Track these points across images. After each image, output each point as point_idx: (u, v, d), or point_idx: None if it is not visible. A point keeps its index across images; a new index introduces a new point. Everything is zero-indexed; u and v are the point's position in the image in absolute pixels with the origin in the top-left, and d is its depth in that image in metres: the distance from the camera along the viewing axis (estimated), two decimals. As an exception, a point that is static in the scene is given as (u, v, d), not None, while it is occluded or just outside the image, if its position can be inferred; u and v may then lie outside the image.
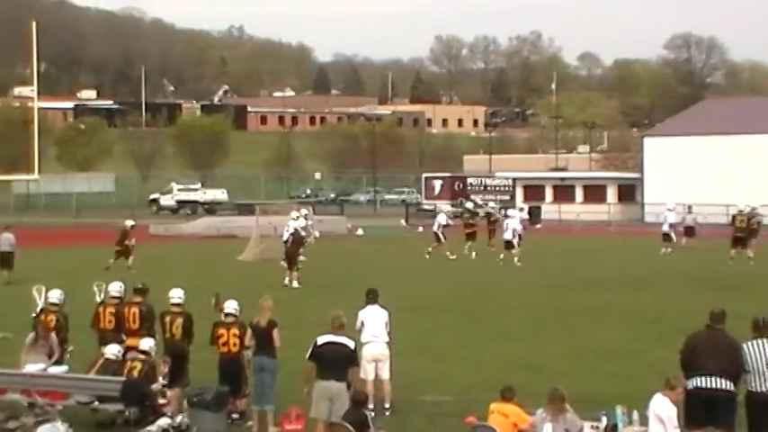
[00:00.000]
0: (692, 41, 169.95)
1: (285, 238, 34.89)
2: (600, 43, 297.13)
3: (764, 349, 11.29)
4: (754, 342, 11.36)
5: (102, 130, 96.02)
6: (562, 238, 39.83)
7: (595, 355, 18.36)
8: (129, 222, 35.19)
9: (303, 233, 31.05)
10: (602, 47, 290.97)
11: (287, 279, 29.00)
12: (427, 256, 36.77)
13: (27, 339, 14.85)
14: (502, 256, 35.40)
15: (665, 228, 39.93)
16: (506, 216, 39.92)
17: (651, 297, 26.10)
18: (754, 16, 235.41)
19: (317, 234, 32.10)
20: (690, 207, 43.94)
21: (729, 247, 35.48)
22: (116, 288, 15.42)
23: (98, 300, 15.70)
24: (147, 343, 13.89)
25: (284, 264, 29.97)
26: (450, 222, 38.66)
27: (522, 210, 44.86)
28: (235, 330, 13.68)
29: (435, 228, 38.10)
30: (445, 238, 37.62)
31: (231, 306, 13.94)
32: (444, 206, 46.53)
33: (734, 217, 36.09)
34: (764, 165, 60.98)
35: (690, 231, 42.35)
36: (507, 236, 35.85)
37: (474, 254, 37.79)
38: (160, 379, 13.56)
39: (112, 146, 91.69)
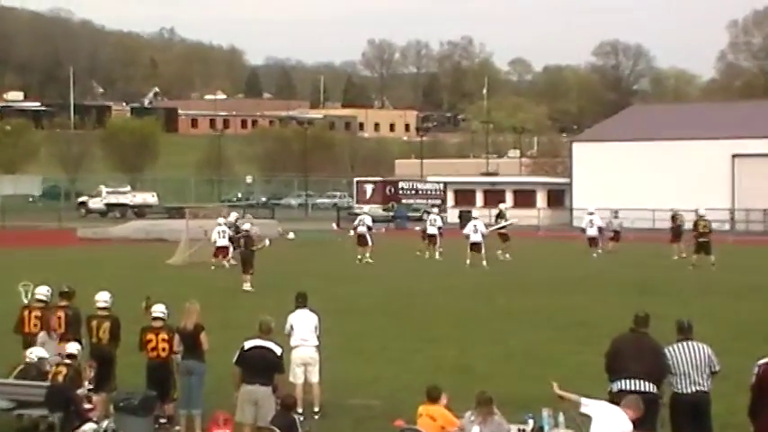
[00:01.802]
0: (620, 48, 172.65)
1: (214, 240, 34.93)
2: (530, 49, 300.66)
3: (688, 351, 11.48)
4: (679, 345, 11.54)
5: (29, 131, 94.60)
6: (491, 242, 40.04)
7: (522, 358, 18.54)
8: None
9: (256, 236, 30.94)
10: (533, 53, 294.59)
11: (245, 285, 28.63)
12: (371, 261, 36.88)
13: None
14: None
15: (592, 232, 40.42)
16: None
17: (578, 300, 26.43)
18: (680, 25, 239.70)
19: (268, 243, 32.08)
20: (616, 212, 44.56)
21: (692, 252, 35.74)
22: (43, 292, 15.21)
23: (24, 301, 15.46)
24: (73, 347, 13.72)
25: (215, 263, 29.58)
26: (373, 228, 38.82)
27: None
28: (163, 335, 13.57)
29: (362, 229, 38.20)
30: (373, 241, 37.81)
31: (159, 310, 13.82)
32: (365, 207, 46.65)
33: (696, 223, 35.92)
34: (690, 170, 62.10)
35: (615, 236, 42.99)
36: (431, 230, 37.61)
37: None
38: (86, 383, 13.41)
39: (39, 148, 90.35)
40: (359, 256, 37.40)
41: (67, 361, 13.46)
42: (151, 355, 13.61)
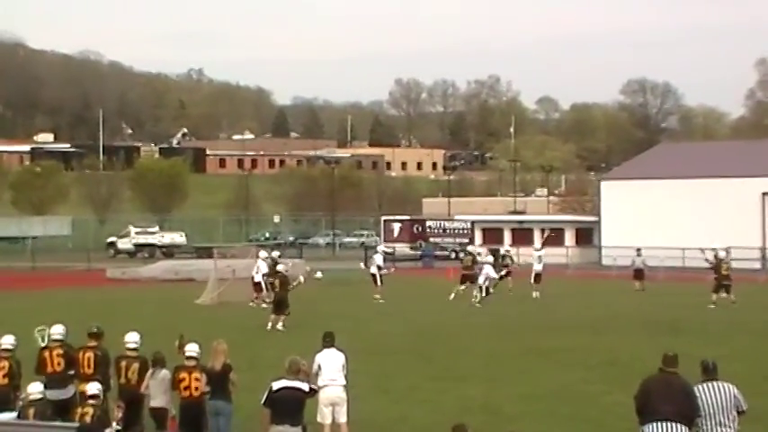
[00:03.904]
0: (648, 86, 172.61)
1: (257, 279, 34.94)
2: (558, 87, 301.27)
3: (715, 392, 11.37)
4: (704, 385, 11.44)
5: (59, 173, 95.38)
6: (520, 280, 39.93)
7: (552, 398, 18.39)
8: None
9: (288, 275, 30.94)
10: (560, 91, 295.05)
11: (270, 325, 28.66)
12: (381, 301, 36.72)
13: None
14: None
15: (482, 280, 37.48)
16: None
17: (608, 339, 26.23)
18: (708, 63, 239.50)
19: (303, 279, 32.29)
20: (639, 250, 44.36)
21: (711, 291, 35.64)
22: (59, 331, 15.22)
23: (42, 345, 15.50)
24: (94, 387, 13.64)
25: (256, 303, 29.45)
26: (385, 269, 38.51)
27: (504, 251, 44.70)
28: (196, 374, 13.56)
29: (373, 269, 38.15)
30: (382, 281, 37.63)
31: (192, 349, 13.82)
32: (380, 247, 46.52)
33: (717, 266, 36.08)
34: (718, 208, 61.71)
35: (639, 274, 42.75)
36: (481, 280, 36.48)
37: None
38: (114, 424, 13.41)
39: (69, 189, 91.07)
40: (376, 295, 37.24)
41: (92, 402, 13.44)
42: (184, 394, 13.59)
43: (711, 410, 11.27)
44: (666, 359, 11.53)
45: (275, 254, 37.57)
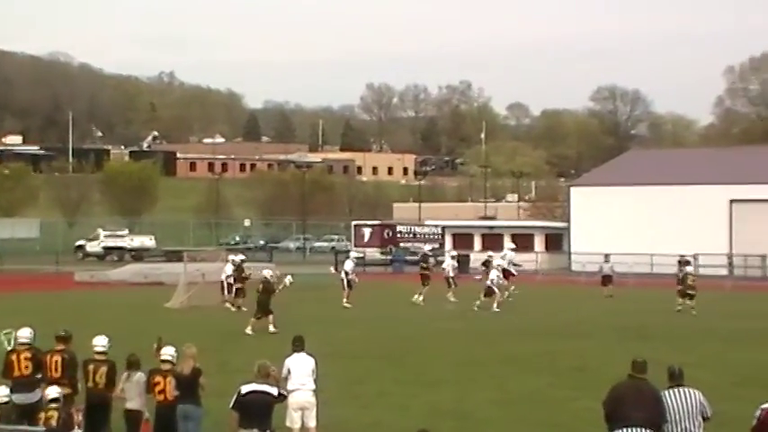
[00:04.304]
0: (618, 94, 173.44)
1: (223, 279, 35.21)
2: (528, 94, 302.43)
3: (680, 398, 11.43)
4: (671, 391, 11.49)
5: (28, 175, 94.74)
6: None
7: (521, 403, 18.45)
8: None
9: (273, 280, 30.97)
10: (531, 97, 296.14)
11: (248, 328, 28.75)
12: (348, 306, 36.68)
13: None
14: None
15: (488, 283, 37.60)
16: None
17: (577, 345, 26.35)
18: (677, 70, 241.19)
19: (289, 280, 32.71)
20: (607, 256, 44.64)
21: (677, 296, 36.24)
22: (25, 334, 15.08)
23: (8, 348, 15.37)
24: (54, 391, 13.46)
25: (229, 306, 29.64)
26: (352, 275, 38.46)
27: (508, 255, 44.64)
28: (171, 378, 13.51)
29: (343, 275, 38.17)
30: (350, 286, 37.62)
31: (168, 353, 13.75)
32: (352, 253, 46.58)
33: (684, 277, 36.71)
34: (688, 215, 62.13)
35: (607, 280, 43.02)
36: (487, 282, 36.55)
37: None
38: (76, 428, 13.30)
39: (38, 191, 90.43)
40: (344, 300, 37.22)
41: (54, 405, 13.33)
42: (159, 398, 13.53)
43: (677, 416, 11.32)
44: (636, 365, 11.57)
45: (239, 258, 37.42)
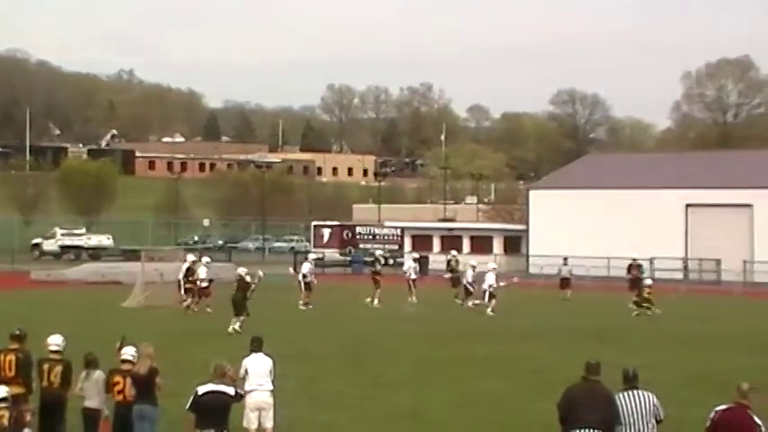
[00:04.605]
0: (577, 97, 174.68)
1: (180, 279, 35.08)
2: (489, 96, 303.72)
3: (634, 400, 11.54)
4: (625, 393, 11.60)
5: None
6: (448, 288, 40.15)
7: (478, 405, 18.54)
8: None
9: (248, 279, 30.96)
10: (491, 100, 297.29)
11: (231, 327, 28.84)
12: (303, 308, 36.65)
13: None
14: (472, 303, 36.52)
15: (484, 286, 37.97)
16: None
17: (533, 348, 26.51)
18: (635, 75, 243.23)
19: (262, 274, 33.07)
20: (566, 259, 44.94)
21: (633, 305, 36.92)
22: None
23: None
24: (2, 390, 13.32)
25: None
26: (311, 277, 38.46)
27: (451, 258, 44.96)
28: (131, 378, 13.44)
29: (300, 277, 38.15)
30: (309, 288, 37.60)
31: (128, 352, 13.68)
32: (311, 255, 46.58)
33: (641, 289, 37.50)
34: (644, 219, 62.68)
35: (565, 283, 43.29)
36: (484, 286, 36.77)
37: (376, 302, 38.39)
38: (26, 430, 13.19)
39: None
40: (300, 302, 37.19)
41: (2, 405, 13.20)
42: (118, 398, 13.47)
43: (631, 418, 11.42)
44: (589, 367, 11.67)
45: (190, 257, 37.17)
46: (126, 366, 13.58)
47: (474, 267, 39.51)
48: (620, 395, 11.53)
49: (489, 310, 35.84)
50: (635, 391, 11.56)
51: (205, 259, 37.91)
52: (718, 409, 11.00)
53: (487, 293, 36.31)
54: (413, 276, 40.67)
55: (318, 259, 52.38)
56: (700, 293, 48.61)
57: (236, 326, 29.02)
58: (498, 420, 17.23)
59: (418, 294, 40.02)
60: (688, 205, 63.20)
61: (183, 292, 35.81)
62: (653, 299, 36.53)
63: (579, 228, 63.83)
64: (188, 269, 35.87)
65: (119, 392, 13.45)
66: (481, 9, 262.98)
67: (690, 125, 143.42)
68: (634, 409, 11.43)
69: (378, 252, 45.18)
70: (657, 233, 60.99)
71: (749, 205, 61.22)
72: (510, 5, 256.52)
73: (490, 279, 36.83)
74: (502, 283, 37.29)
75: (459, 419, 17.20)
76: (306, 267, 38.58)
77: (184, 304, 35.11)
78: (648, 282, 38.18)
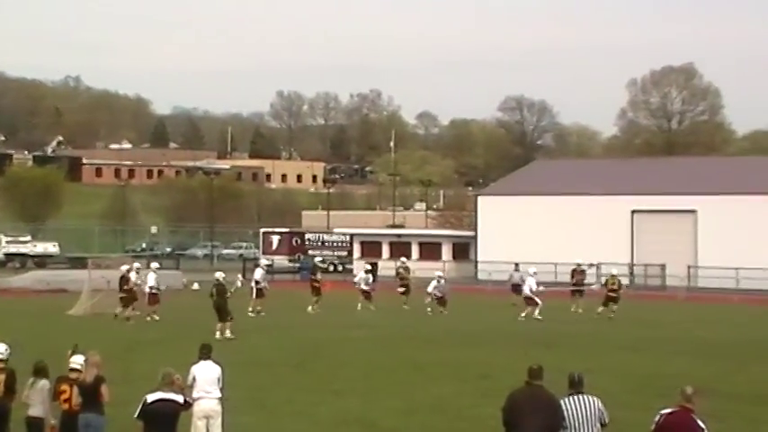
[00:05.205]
0: (525, 104, 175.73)
1: (151, 286, 34.65)
2: (437, 103, 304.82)
3: (580, 405, 11.68)
4: (571, 398, 11.73)
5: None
6: (398, 294, 40.25)
7: (427, 411, 18.61)
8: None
9: (225, 283, 30.97)
10: (440, 106, 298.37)
11: (218, 334, 28.77)
12: (253, 315, 36.56)
13: None
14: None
15: (526, 291, 38.58)
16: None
17: (482, 353, 26.66)
18: (582, 82, 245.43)
19: (239, 284, 33.01)
20: (517, 265, 45.23)
21: (601, 304, 38.30)
22: None
23: None
24: None
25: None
26: (264, 282, 38.48)
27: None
28: (77, 386, 13.33)
29: (253, 283, 38.13)
30: (261, 294, 37.57)
31: (77, 361, 13.56)
32: (262, 261, 46.57)
33: (606, 281, 39.44)
34: (591, 225, 63.27)
35: (516, 289, 43.51)
36: (526, 291, 37.62)
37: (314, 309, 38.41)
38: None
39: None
40: (249, 308, 37.14)
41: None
42: (64, 406, 13.36)
43: (576, 423, 11.55)
44: (532, 372, 11.79)
45: (124, 267, 36.60)
46: (74, 375, 13.47)
47: (440, 279, 39.89)
48: (566, 400, 11.66)
49: (537, 313, 36.60)
50: (580, 396, 11.69)
51: (154, 265, 37.61)
52: (663, 412, 11.17)
53: (533, 298, 37.13)
54: (364, 287, 40.68)
55: (268, 266, 52.31)
56: (645, 299, 49.16)
57: (227, 333, 29.00)
58: (446, 426, 17.33)
59: (375, 301, 40.27)
60: (634, 211, 63.91)
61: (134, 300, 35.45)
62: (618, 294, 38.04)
63: (527, 234, 64.26)
64: (122, 277, 35.14)
65: (65, 401, 13.34)
66: (430, 17, 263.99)
67: (635, 132, 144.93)
68: (579, 413, 11.56)
69: (317, 259, 45.26)
70: (604, 239, 61.60)
71: (693, 211, 62.07)
72: (458, 14, 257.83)
73: (531, 283, 37.63)
74: (541, 288, 37.95)
75: (408, 425, 17.27)
76: (258, 273, 38.55)
77: (121, 315, 34.18)
78: (615, 271, 39.73)
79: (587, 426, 11.55)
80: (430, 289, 39.43)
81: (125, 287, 34.78)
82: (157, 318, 34.31)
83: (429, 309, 38.69)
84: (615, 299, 38.24)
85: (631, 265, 62.02)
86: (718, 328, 35.00)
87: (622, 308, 38.42)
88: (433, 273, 41.05)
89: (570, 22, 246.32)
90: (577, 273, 43.20)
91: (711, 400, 16.80)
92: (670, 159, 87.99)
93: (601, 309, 37.99)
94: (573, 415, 11.53)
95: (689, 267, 59.48)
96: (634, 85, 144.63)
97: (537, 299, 37.09)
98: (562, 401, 11.62)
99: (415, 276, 45.09)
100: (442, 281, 39.99)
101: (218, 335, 28.67)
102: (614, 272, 40.22)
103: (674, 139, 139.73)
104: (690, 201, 62.21)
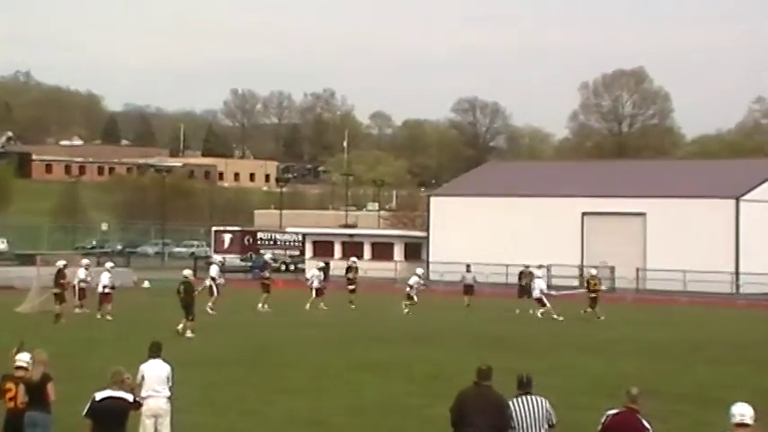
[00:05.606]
0: (478, 106, 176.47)
1: (105, 285, 34.34)
2: (391, 103, 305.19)
3: (528, 405, 11.79)
4: (519, 399, 11.84)
5: None
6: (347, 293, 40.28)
7: (376, 410, 18.66)
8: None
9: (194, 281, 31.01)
10: (393, 107, 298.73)
11: (180, 328, 28.91)
12: (212, 312, 36.43)
13: None
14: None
15: (537, 293, 38.81)
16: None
17: (433, 353, 26.77)
18: (534, 84, 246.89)
19: (207, 283, 33.08)
20: (468, 266, 45.42)
21: (587, 306, 38.94)
22: None
23: None
24: None
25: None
26: (220, 280, 38.48)
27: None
28: (23, 384, 13.19)
29: (209, 281, 38.03)
30: (218, 291, 37.55)
31: (23, 359, 13.41)
32: (217, 257, 46.49)
33: (588, 281, 39.98)
34: (542, 227, 63.64)
35: (469, 290, 43.71)
36: (536, 294, 38.22)
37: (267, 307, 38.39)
38: None
39: None
40: (209, 305, 37.04)
41: None
42: (9, 405, 13.20)
43: (524, 423, 11.65)
44: (480, 372, 11.88)
45: (61, 263, 36.06)
46: (19, 373, 13.32)
47: (419, 276, 40.26)
48: (514, 400, 11.76)
49: (555, 315, 37.21)
50: (528, 397, 11.80)
51: (108, 265, 37.48)
52: (609, 413, 11.29)
53: (542, 299, 37.78)
54: (316, 285, 40.69)
55: (221, 263, 52.20)
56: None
57: (188, 333, 29.04)
58: (395, 425, 17.39)
59: (327, 301, 40.28)
60: (584, 213, 64.40)
61: (81, 297, 35.35)
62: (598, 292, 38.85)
63: (479, 235, 64.53)
64: (58, 271, 34.51)
65: (10, 399, 13.18)
66: (385, 16, 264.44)
67: (587, 135, 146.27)
68: (527, 414, 11.67)
69: (267, 256, 45.22)
70: (554, 241, 62.01)
71: (642, 214, 62.66)
72: (412, 15, 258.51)
73: (541, 285, 38.34)
74: (553, 292, 38.37)
75: (358, 425, 17.32)
76: (214, 270, 38.51)
77: (54, 311, 33.56)
78: (594, 272, 40.55)
79: (535, 426, 11.65)
80: (412, 281, 39.66)
81: (60, 281, 34.27)
82: (110, 318, 34.05)
83: (406, 309, 38.80)
84: (596, 299, 38.70)
85: (581, 267, 62.49)
86: (666, 330, 35.42)
87: (572, 309, 38.76)
88: (384, 273, 41.19)
89: (523, 25, 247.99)
90: (525, 275, 43.39)
91: (657, 401, 17.04)
92: (620, 162, 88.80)
93: (588, 310, 38.55)
94: (521, 415, 11.63)
95: (637, 270, 60.06)
96: (586, 88, 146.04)
97: (546, 300, 37.68)
98: (510, 402, 11.72)
99: (367, 276, 45.15)
100: (421, 280, 40.55)
101: (179, 327, 28.81)
102: (593, 272, 40.78)
103: (624, 142, 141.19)
104: (639, 204, 62.81)
